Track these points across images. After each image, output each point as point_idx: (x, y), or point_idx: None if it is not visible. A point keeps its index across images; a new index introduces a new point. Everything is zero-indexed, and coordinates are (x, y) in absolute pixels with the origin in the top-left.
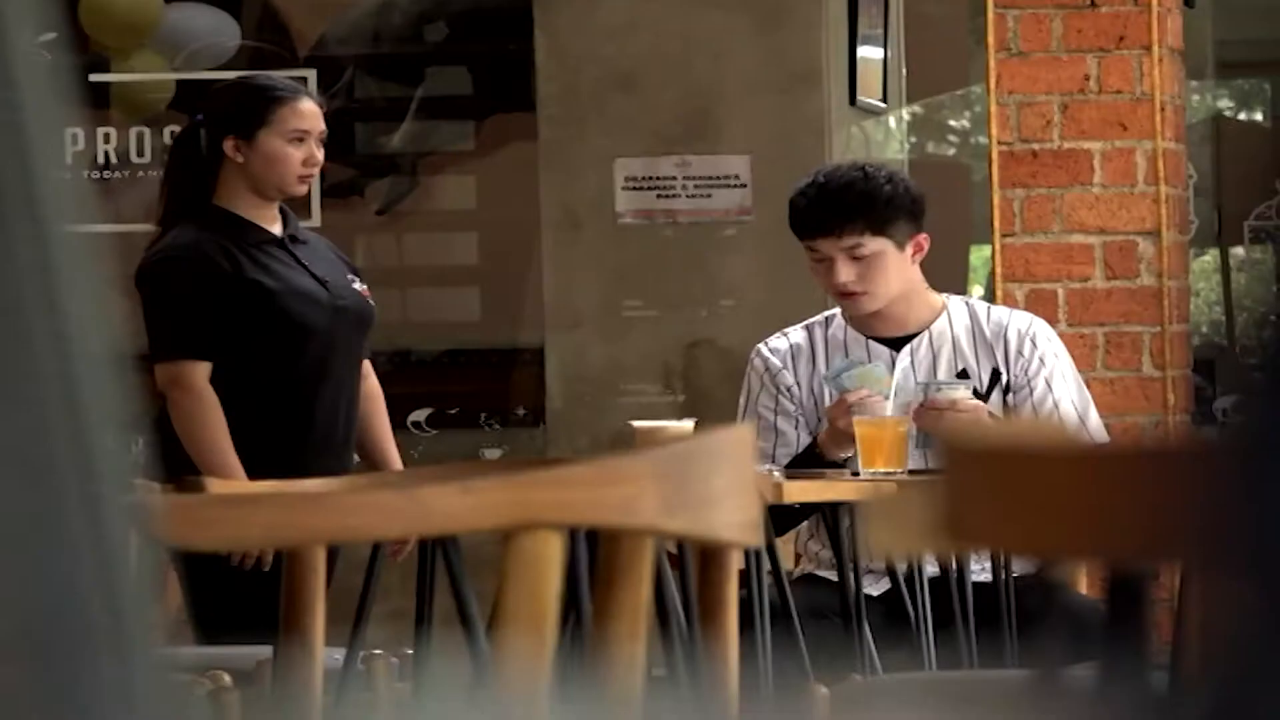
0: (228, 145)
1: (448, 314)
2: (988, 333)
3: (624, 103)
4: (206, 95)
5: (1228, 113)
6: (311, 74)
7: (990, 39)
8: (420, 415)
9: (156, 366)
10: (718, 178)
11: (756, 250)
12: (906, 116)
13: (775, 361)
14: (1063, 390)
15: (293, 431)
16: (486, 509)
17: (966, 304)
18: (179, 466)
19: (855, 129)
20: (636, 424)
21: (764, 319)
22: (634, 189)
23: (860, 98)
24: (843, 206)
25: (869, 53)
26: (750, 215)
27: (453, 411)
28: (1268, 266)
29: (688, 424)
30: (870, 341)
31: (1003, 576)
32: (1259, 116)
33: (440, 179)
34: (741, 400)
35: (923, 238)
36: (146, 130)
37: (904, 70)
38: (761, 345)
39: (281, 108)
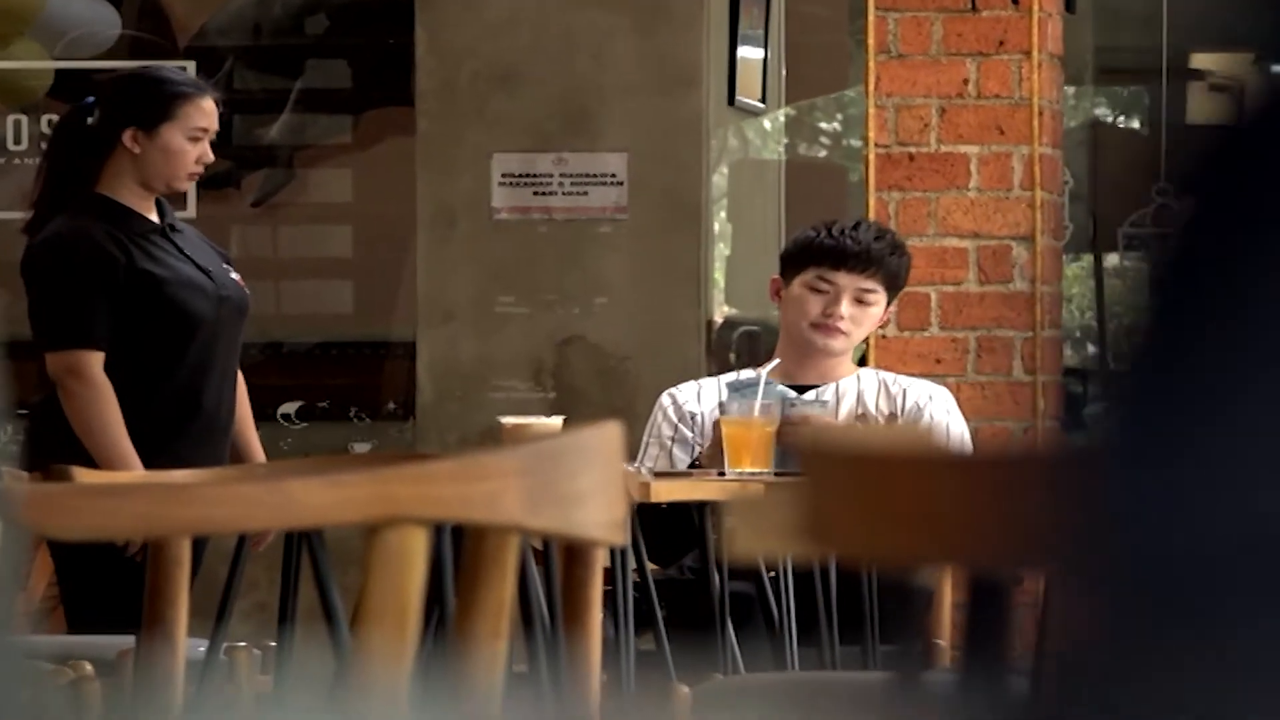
0: (126, 135)
1: (321, 307)
2: (891, 391)
3: (503, 99)
4: (105, 82)
5: (1106, 119)
6: (191, 64)
7: (870, 41)
8: (290, 408)
9: (49, 355)
10: (594, 175)
11: (631, 249)
12: (784, 117)
13: (680, 396)
14: (954, 429)
15: (180, 420)
16: (351, 503)
17: (877, 373)
18: (58, 454)
19: (733, 129)
20: (505, 420)
21: (637, 317)
22: (511, 185)
23: (739, 98)
24: (876, 253)
25: (749, 53)
26: (626, 214)
27: (323, 404)
28: (1142, 274)
29: (556, 421)
30: (780, 386)
31: (865, 579)
32: (1136, 124)
33: (317, 172)
34: (644, 438)
35: (892, 310)
36: (24, 118)
37: (783, 71)
38: (669, 389)
39: (186, 104)
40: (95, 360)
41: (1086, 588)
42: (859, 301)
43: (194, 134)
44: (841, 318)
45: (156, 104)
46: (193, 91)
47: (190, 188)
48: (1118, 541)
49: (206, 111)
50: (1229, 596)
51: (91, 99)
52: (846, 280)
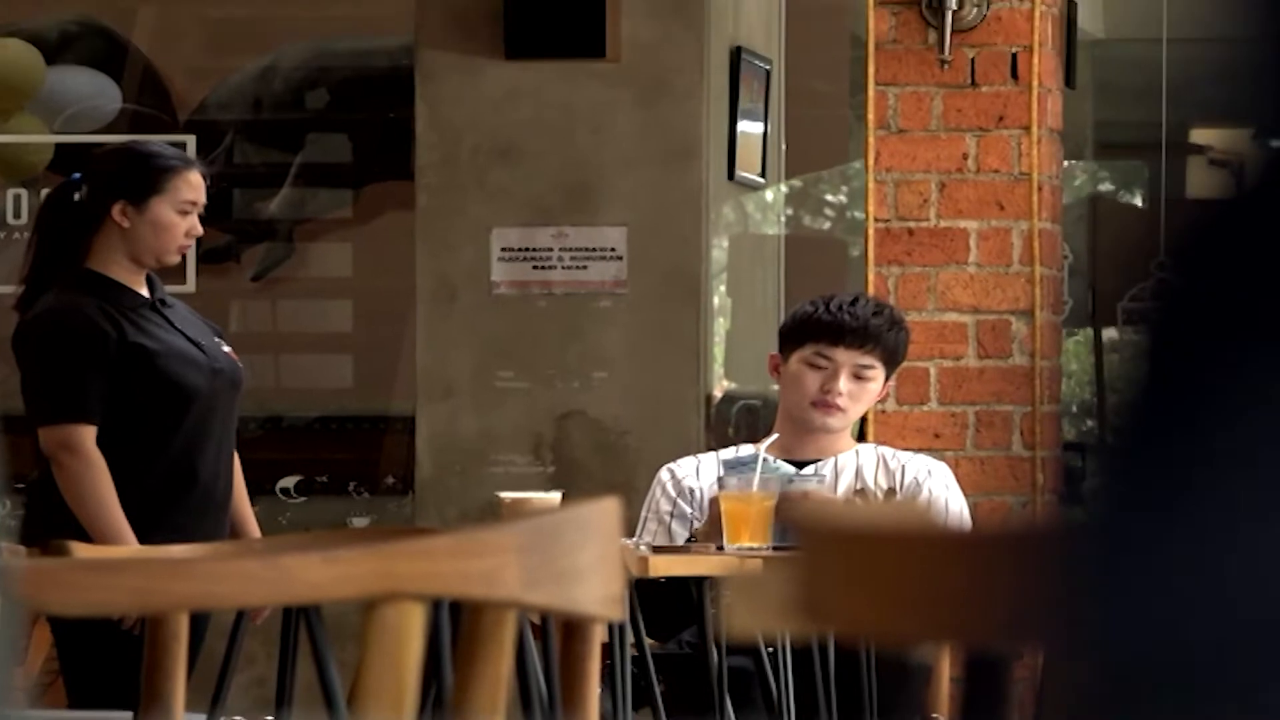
0: (115, 209)
1: (320, 381)
2: (890, 466)
3: (503, 173)
4: (93, 157)
5: (1106, 194)
6: (191, 139)
7: (870, 116)
8: (289, 482)
9: (42, 430)
10: (594, 249)
11: (631, 323)
12: (785, 191)
13: (680, 471)
14: (953, 505)
15: (177, 493)
16: (349, 578)
17: (875, 448)
18: (55, 529)
19: (733, 203)
20: (503, 495)
21: (636, 392)
22: (510, 259)
23: (739, 172)
24: (874, 328)
25: (749, 127)
26: (625, 288)
27: (322, 479)
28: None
29: (555, 496)
30: (780, 461)
31: (863, 655)
32: (1136, 198)
33: (317, 246)
34: (642, 513)
35: (891, 384)
36: (24, 192)
37: (783, 145)
38: (668, 464)
39: (175, 177)
40: (88, 434)
41: (1072, 663)
42: (857, 377)
43: (183, 207)
44: (840, 394)
45: (145, 178)
46: (181, 165)
47: (189, 261)
48: (1097, 618)
49: (195, 185)
50: (1208, 673)
51: (79, 174)
52: (845, 356)
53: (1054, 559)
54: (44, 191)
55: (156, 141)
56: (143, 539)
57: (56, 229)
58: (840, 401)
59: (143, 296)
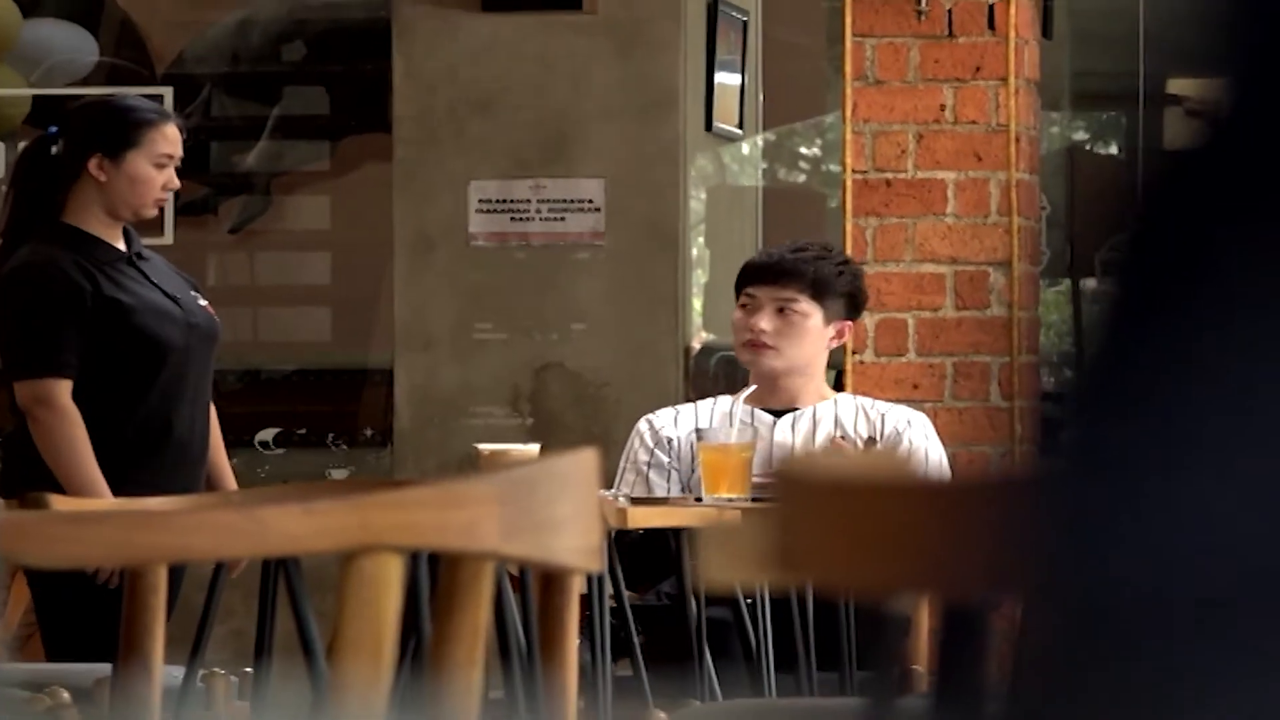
0: (92, 163)
1: (298, 333)
2: (870, 416)
3: (480, 125)
4: (69, 111)
5: (1083, 144)
6: (168, 91)
7: (847, 67)
8: (268, 434)
9: (16, 385)
10: (571, 201)
11: (608, 274)
12: (762, 143)
13: (658, 421)
14: (932, 455)
15: (152, 447)
16: (328, 530)
17: (854, 398)
18: (32, 483)
19: (710, 154)
20: (482, 447)
21: (614, 343)
22: (488, 211)
23: (716, 124)
24: (793, 263)
25: (726, 79)
26: (603, 240)
27: (300, 431)
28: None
29: (533, 448)
30: (757, 411)
31: (842, 606)
32: (1114, 149)
33: (294, 198)
34: (621, 463)
35: (847, 327)
36: (1, 145)
37: (760, 97)
38: (646, 415)
39: (151, 130)
40: (63, 389)
41: (1047, 612)
42: (781, 312)
43: (159, 160)
44: (763, 330)
45: (121, 131)
46: (156, 118)
47: (167, 214)
48: (1069, 565)
49: (171, 138)
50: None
51: (55, 128)
52: (764, 292)
53: (1030, 508)
54: (21, 145)
55: (133, 95)
56: (117, 493)
57: (33, 183)
58: (765, 339)
59: (119, 250)
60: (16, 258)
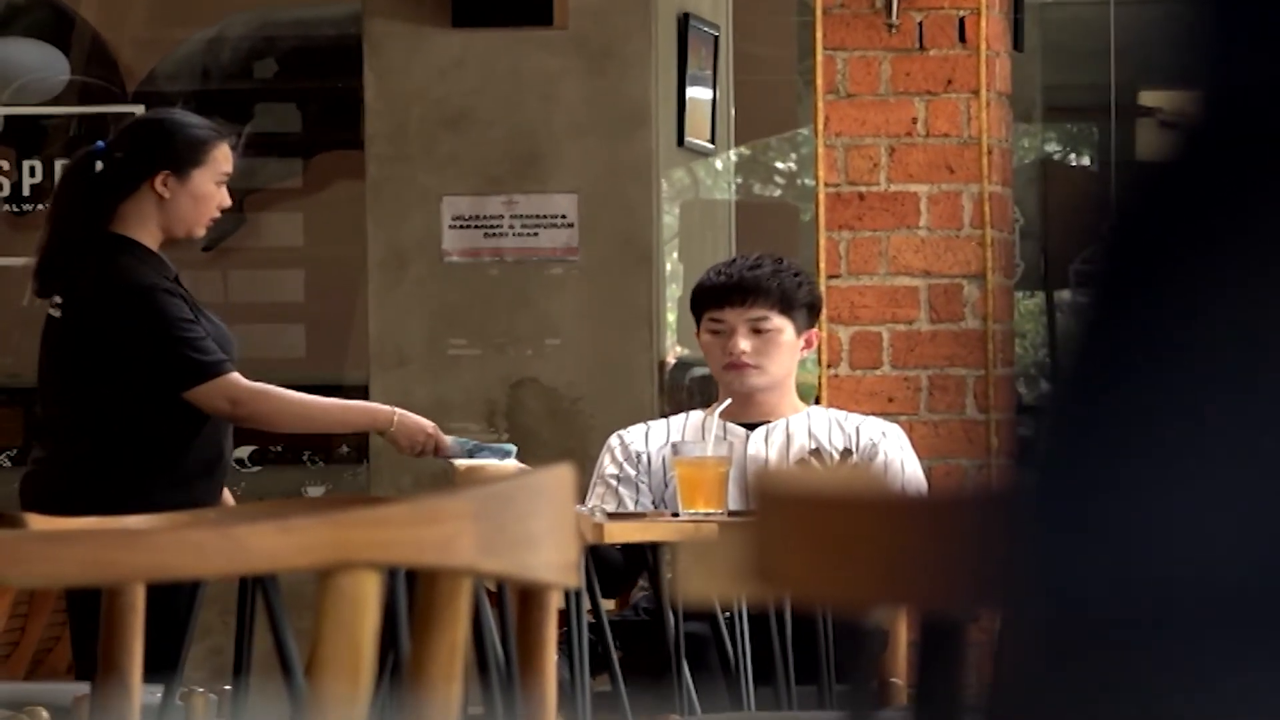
0: (157, 180)
1: (273, 350)
2: (845, 428)
3: (452, 141)
4: (129, 127)
5: (1055, 156)
6: (140, 109)
7: (819, 81)
8: (243, 452)
9: (198, 393)
10: (545, 217)
11: (582, 290)
12: (734, 158)
13: (628, 437)
14: (908, 467)
15: (209, 467)
16: (304, 548)
17: (827, 411)
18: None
19: (683, 169)
20: (457, 462)
21: (589, 359)
22: (461, 228)
23: (688, 138)
24: (755, 281)
25: (698, 93)
26: (576, 255)
27: (276, 448)
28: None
29: (509, 464)
30: (729, 425)
31: (820, 620)
32: (1086, 160)
33: (267, 216)
34: (592, 479)
35: (814, 334)
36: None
37: (732, 111)
38: (618, 431)
39: (214, 149)
40: (237, 376)
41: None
42: (756, 332)
43: (220, 179)
44: (744, 353)
45: (188, 149)
46: (219, 137)
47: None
48: (1036, 575)
49: (229, 157)
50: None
51: (102, 144)
52: (734, 315)
53: (1005, 521)
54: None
55: (187, 111)
56: (169, 505)
57: (78, 199)
58: (746, 359)
59: (173, 268)
60: (128, 275)
